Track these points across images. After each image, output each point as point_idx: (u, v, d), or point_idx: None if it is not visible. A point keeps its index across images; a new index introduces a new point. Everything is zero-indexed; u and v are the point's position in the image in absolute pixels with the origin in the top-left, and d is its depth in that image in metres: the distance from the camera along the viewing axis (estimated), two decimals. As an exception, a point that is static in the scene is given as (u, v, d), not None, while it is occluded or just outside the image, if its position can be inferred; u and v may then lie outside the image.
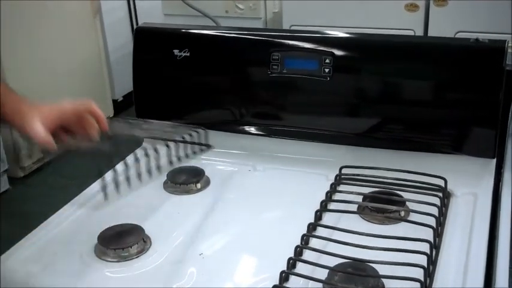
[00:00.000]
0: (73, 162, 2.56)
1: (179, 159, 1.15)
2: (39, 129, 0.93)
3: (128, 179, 1.04)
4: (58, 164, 2.88)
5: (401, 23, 2.40)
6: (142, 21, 3.89)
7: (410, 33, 2.38)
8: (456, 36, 2.20)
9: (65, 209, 1.12)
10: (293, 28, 2.45)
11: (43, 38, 3.10)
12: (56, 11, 3.17)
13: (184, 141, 1.15)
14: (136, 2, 3.77)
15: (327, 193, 1.12)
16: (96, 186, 1.11)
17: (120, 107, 3.75)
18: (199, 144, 1.18)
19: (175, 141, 1.14)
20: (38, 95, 3.16)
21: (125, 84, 3.75)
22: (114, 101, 3.72)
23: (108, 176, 1.05)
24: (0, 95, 0.96)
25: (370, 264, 0.91)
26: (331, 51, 1.22)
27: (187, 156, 1.15)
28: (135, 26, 3.79)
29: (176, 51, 1.31)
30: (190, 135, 1.17)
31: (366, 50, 1.24)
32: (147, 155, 1.08)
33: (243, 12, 2.76)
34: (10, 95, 0.98)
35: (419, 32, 2.38)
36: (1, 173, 2.90)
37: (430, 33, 2.37)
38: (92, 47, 3.47)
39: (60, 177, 2.80)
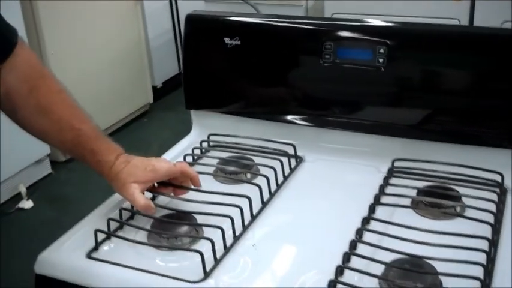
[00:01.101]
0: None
1: (285, 177, 1.18)
2: (139, 198, 1.02)
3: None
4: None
5: (445, 12, 2.36)
6: (182, 9, 3.90)
7: (455, 22, 2.34)
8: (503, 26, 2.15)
9: (115, 197, 1.12)
10: (335, 16, 2.42)
11: (85, 24, 3.13)
12: (98, -2, 3.19)
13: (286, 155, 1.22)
14: (176, -11, 3.78)
15: (380, 186, 1.10)
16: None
17: (159, 94, 3.79)
18: (292, 156, 1.23)
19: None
20: (80, 80, 3.17)
21: (164, 71, 3.79)
22: (154, 88, 3.75)
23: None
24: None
25: (428, 260, 0.89)
26: (385, 41, 1.19)
27: (286, 178, 1.18)
28: (175, 14, 3.80)
29: (227, 40, 1.29)
30: (285, 152, 1.23)
31: (421, 39, 1.20)
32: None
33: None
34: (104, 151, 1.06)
35: (464, 22, 2.34)
36: (43, 157, 2.94)
37: (476, 23, 2.33)
38: (133, 34, 3.49)
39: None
